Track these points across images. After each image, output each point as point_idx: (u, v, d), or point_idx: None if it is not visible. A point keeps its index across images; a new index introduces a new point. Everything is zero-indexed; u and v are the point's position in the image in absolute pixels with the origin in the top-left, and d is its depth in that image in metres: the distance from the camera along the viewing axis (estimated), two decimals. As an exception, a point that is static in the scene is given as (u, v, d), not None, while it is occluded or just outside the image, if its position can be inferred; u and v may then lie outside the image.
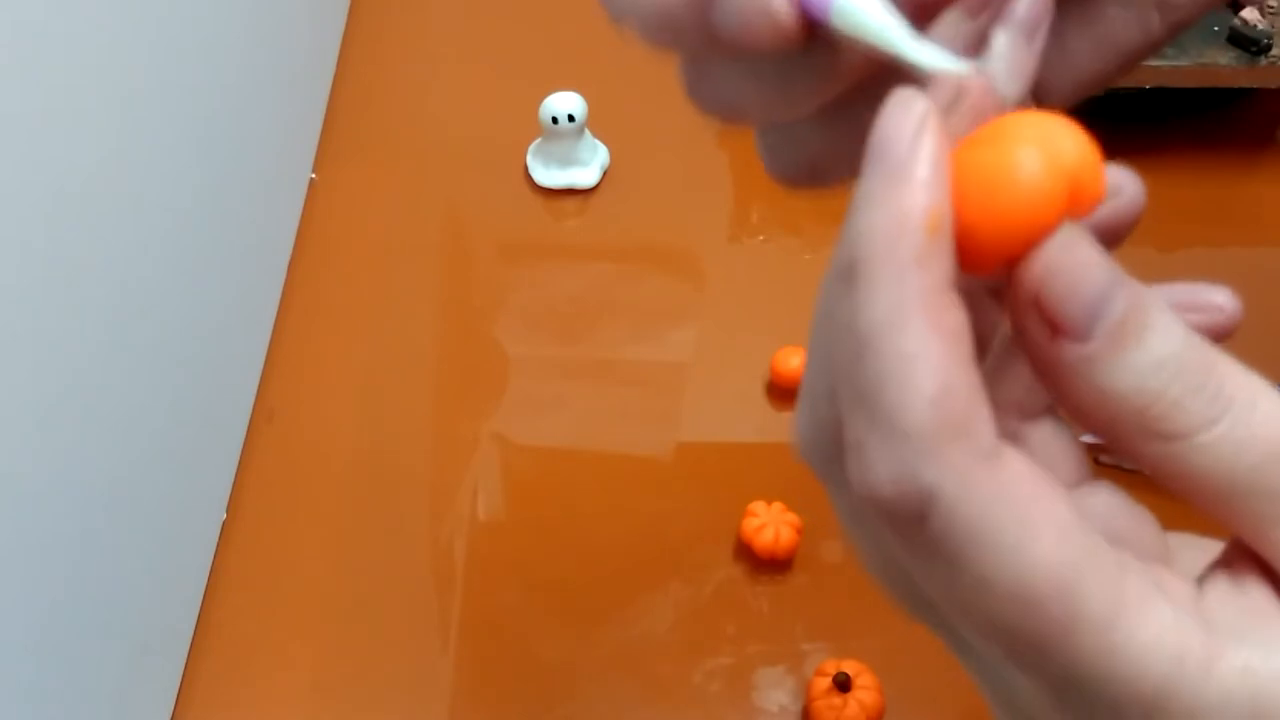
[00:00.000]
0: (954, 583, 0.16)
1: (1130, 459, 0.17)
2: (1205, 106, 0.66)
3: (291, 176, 0.64)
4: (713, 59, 0.21)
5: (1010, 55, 0.20)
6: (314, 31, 0.68)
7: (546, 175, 0.66)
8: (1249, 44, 0.60)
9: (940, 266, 0.16)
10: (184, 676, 0.51)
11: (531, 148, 0.66)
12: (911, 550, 0.17)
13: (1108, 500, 0.21)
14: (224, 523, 0.55)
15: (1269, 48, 0.60)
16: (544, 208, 0.66)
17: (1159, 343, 0.17)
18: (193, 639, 0.52)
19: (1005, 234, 0.16)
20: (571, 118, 0.63)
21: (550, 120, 0.63)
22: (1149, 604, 0.16)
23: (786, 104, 0.20)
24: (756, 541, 0.53)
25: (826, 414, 0.18)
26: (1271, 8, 0.61)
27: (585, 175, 0.65)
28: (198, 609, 0.53)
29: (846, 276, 0.17)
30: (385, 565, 0.54)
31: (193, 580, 0.53)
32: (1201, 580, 0.18)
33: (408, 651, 0.52)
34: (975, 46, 0.20)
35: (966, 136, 0.17)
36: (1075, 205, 0.17)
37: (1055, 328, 0.17)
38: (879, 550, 0.19)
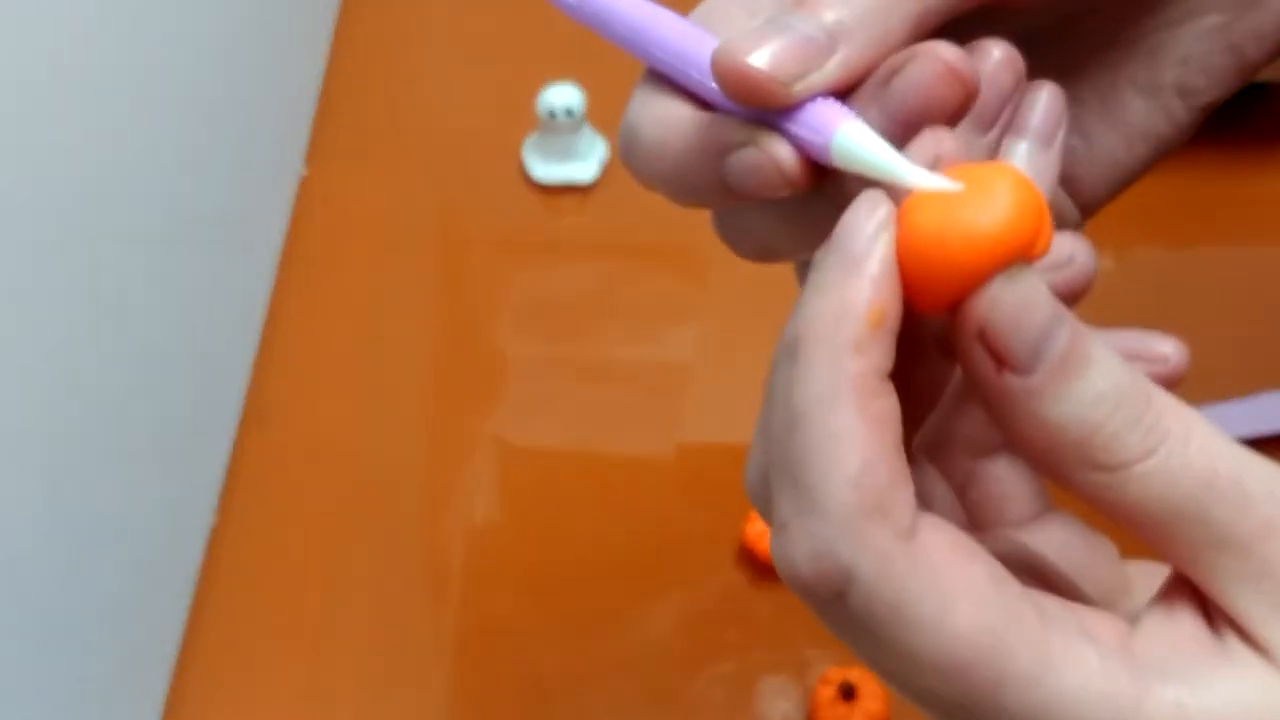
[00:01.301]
0: (880, 656, 0.17)
1: (1070, 488, 0.18)
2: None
3: (281, 172, 0.64)
4: (739, 207, 0.22)
5: (1030, 164, 0.21)
6: (305, 22, 0.68)
7: (544, 170, 0.65)
8: (1262, 36, 0.59)
9: (877, 356, 0.17)
10: (172, 683, 0.50)
11: (528, 142, 0.65)
12: (836, 626, 0.18)
13: (1064, 533, 0.22)
14: (214, 527, 0.54)
15: (1282, 40, 0.59)
16: (541, 204, 0.65)
17: (1099, 377, 0.17)
18: (181, 646, 0.51)
19: (956, 272, 0.17)
20: (570, 111, 0.62)
21: (548, 113, 0.62)
22: (1073, 653, 0.17)
23: (816, 238, 0.21)
24: (759, 546, 0.52)
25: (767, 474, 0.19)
26: None
27: (584, 170, 0.64)
28: (186, 615, 0.52)
29: (789, 353, 0.18)
30: (380, 570, 0.54)
31: (181, 585, 0.52)
32: (1140, 614, 0.19)
33: (403, 658, 0.52)
34: (989, 159, 0.21)
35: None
36: (1023, 250, 0.18)
37: (1000, 360, 0.17)
38: None
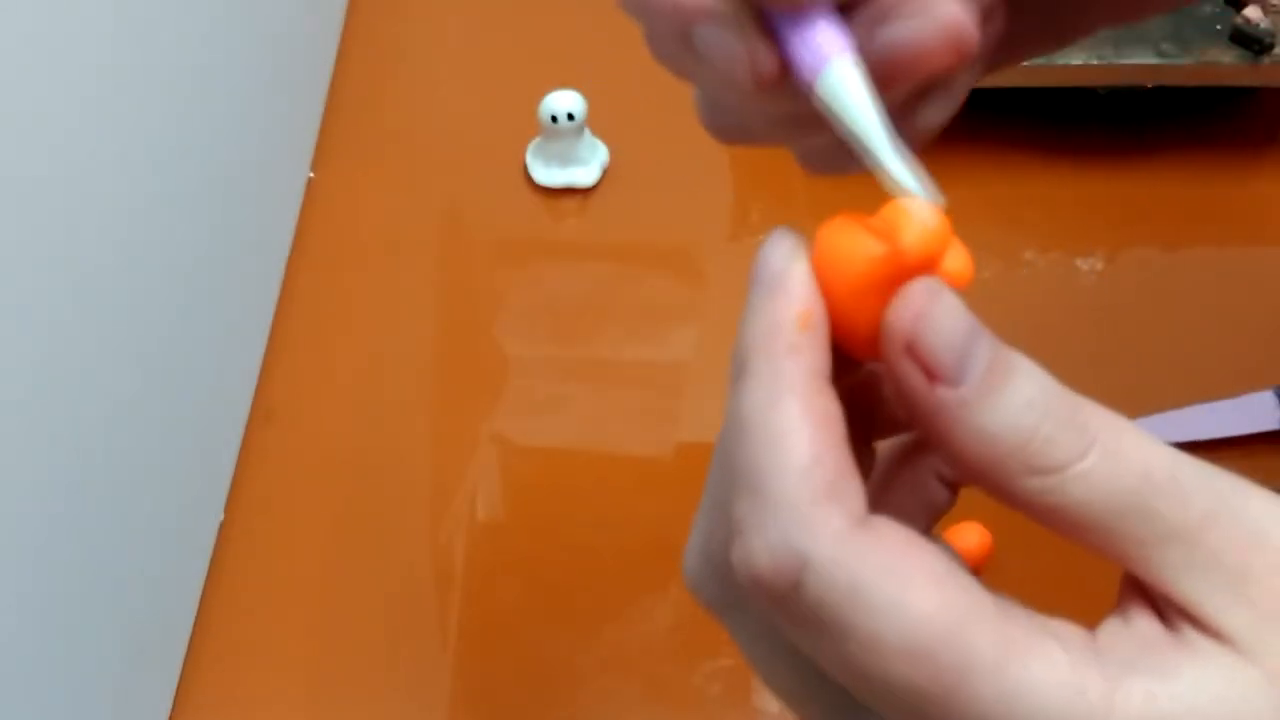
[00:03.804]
0: (846, 651, 0.17)
1: (1013, 501, 0.18)
2: (1207, 106, 0.66)
3: (290, 175, 0.64)
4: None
5: None
6: (312, 28, 0.68)
7: (546, 174, 0.65)
8: (1251, 43, 0.59)
9: (813, 355, 0.18)
10: (181, 678, 0.51)
11: (531, 146, 0.66)
12: (800, 627, 0.17)
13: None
14: (221, 524, 0.55)
15: (1271, 47, 0.59)
16: (543, 207, 0.65)
17: (1025, 383, 0.18)
18: (190, 640, 0.52)
19: (869, 282, 0.18)
20: (571, 116, 0.63)
21: (550, 119, 0.63)
22: (1038, 644, 0.17)
23: (789, 136, 0.22)
24: (757, 542, 0.52)
25: (720, 530, 0.19)
26: (1274, 6, 0.61)
27: (585, 174, 0.65)
28: (195, 611, 0.52)
29: (736, 377, 0.18)
30: (384, 566, 0.54)
31: (190, 582, 0.52)
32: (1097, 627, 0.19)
33: (407, 652, 0.52)
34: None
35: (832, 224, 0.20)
36: (927, 263, 0.18)
37: (930, 373, 0.18)
38: (785, 665, 0.20)
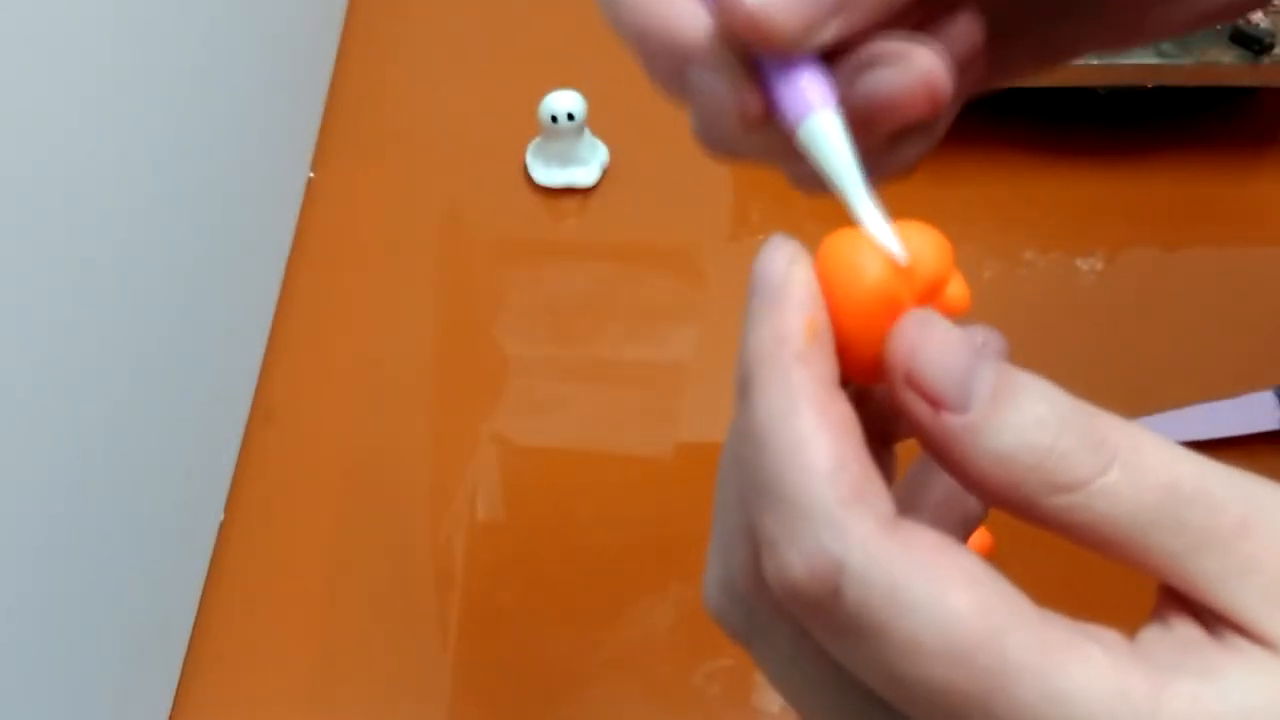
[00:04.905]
0: (885, 656, 0.17)
1: (1041, 521, 0.18)
2: (1207, 106, 0.66)
3: (289, 175, 0.64)
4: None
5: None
6: (312, 28, 0.68)
7: (546, 174, 0.65)
8: (1251, 43, 0.59)
9: (822, 364, 0.18)
10: (181, 678, 0.51)
11: (531, 146, 0.66)
12: (838, 636, 0.17)
13: None
14: (221, 524, 0.55)
15: (1271, 47, 0.59)
16: (543, 207, 0.65)
17: (1035, 401, 0.17)
18: (190, 641, 0.52)
19: (869, 307, 0.18)
20: (571, 116, 0.63)
21: (550, 119, 0.63)
22: (1079, 646, 0.17)
23: (778, 161, 0.22)
24: (757, 542, 0.52)
25: (738, 555, 0.19)
26: (1275, 6, 0.61)
27: (585, 174, 0.65)
28: (195, 611, 0.52)
29: (743, 393, 0.18)
30: (384, 566, 0.54)
31: (190, 582, 0.53)
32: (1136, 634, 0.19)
33: (407, 652, 0.52)
34: None
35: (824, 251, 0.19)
36: (930, 291, 0.18)
37: (935, 402, 0.18)
38: (814, 688, 0.20)
